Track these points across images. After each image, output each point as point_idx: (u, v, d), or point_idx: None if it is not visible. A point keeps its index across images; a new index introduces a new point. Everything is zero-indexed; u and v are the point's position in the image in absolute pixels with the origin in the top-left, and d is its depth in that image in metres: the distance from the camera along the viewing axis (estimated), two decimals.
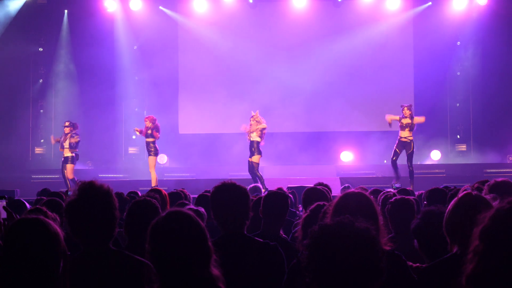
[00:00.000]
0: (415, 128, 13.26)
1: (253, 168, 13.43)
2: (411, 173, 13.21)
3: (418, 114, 17.29)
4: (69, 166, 13.84)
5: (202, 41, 17.70)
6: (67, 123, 13.98)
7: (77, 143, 13.85)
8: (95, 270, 2.85)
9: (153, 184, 13.26)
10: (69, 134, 13.81)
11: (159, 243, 2.43)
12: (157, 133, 13.60)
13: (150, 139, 13.61)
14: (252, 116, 13.53)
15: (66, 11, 17.47)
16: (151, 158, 13.66)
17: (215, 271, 2.46)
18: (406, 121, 13.10)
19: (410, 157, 13.20)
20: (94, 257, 2.88)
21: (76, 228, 2.89)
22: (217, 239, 3.34)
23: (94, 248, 2.89)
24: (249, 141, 13.49)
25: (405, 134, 13.14)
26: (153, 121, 13.71)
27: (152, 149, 13.63)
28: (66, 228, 4.96)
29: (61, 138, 14.02)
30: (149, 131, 13.60)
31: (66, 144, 13.81)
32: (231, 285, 2.71)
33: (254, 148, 13.35)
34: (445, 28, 17.18)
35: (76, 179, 13.61)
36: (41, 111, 17.40)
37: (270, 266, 3.30)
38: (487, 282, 2.06)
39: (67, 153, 13.82)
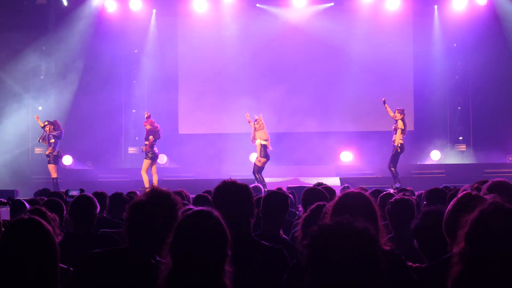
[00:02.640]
0: (402, 132, 13.40)
1: (253, 169, 13.51)
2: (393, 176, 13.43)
3: (418, 114, 17.39)
4: (51, 166, 13.99)
5: (201, 41, 17.70)
6: (46, 122, 14.10)
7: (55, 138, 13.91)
8: (126, 275, 2.81)
9: (146, 185, 13.27)
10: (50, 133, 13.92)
11: (184, 237, 2.42)
12: (151, 137, 13.57)
13: (147, 142, 13.61)
14: (255, 120, 13.52)
15: (66, 11, 17.49)
16: (146, 161, 13.66)
17: (228, 282, 2.44)
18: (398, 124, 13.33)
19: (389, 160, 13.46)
20: (132, 262, 2.83)
21: (133, 229, 2.85)
22: None
23: (137, 254, 2.83)
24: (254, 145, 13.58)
25: (394, 137, 13.40)
26: (151, 123, 13.71)
27: (149, 153, 13.62)
28: (66, 228, 4.96)
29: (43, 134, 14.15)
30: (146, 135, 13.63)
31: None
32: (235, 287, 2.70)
33: (258, 150, 13.40)
34: (445, 28, 17.19)
35: (58, 179, 13.79)
36: (40, 108, 17.38)
37: (276, 269, 3.29)
38: (473, 284, 2.06)
39: (49, 151, 13.99)
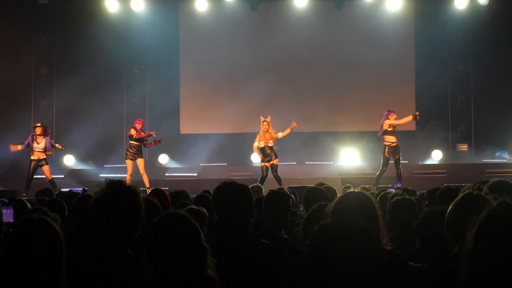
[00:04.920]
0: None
1: (275, 170, 13.27)
2: (400, 175, 13.16)
3: (420, 113, 17.31)
4: (47, 168, 13.45)
5: (204, 41, 17.70)
6: (39, 124, 13.47)
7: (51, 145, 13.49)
8: (106, 273, 2.81)
9: (148, 185, 13.23)
10: (42, 136, 13.42)
11: (152, 246, 2.45)
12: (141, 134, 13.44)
13: (138, 143, 13.50)
14: (264, 121, 13.23)
15: (68, 10, 17.50)
16: (141, 160, 13.56)
17: (211, 272, 2.46)
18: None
19: (399, 160, 13.14)
20: (109, 259, 2.84)
21: (100, 226, 2.85)
22: (222, 239, 3.34)
23: (112, 249, 2.85)
24: (268, 147, 13.13)
25: (394, 139, 13.00)
26: (142, 124, 13.64)
27: (141, 152, 13.57)
28: (67, 229, 4.97)
29: (27, 141, 13.44)
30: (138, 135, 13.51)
31: (40, 147, 13.34)
32: (234, 286, 2.69)
33: (274, 152, 13.17)
34: (447, 28, 17.16)
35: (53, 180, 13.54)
36: (43, 106, 17.40)
37: (276, 268, 3.29)
38: (483, 284, 2.06)
39: (42, 156, 13.37)
